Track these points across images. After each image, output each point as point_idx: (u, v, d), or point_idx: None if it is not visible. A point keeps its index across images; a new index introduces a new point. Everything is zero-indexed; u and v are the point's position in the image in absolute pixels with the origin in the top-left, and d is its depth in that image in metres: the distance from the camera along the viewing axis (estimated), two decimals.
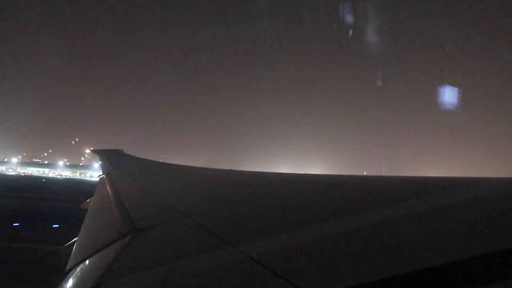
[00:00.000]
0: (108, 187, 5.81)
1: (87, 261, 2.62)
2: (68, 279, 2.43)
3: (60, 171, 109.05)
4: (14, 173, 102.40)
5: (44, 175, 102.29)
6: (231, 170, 6.53)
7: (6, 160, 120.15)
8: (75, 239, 3.86)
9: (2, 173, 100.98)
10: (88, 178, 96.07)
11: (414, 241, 1.53)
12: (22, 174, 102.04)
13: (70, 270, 2.66)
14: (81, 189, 45.34)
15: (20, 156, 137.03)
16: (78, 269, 2.58)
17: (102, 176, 7.56)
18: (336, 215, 2.24)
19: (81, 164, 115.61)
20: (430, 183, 3.15)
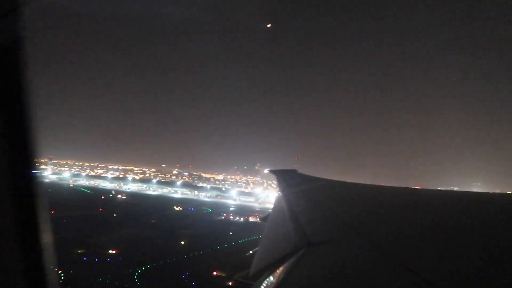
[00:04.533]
0: (284, 203, 6.11)
1: (266, 272, 2.88)
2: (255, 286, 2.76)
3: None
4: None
5: None
6: (406, 188, 6.49)
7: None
8: (256, 248, 4.35)
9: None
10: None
11: None
12: None
13: (252, 275, 3.01)
14: None
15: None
16: (261, 279, 2.83)
17: (278, 193, 8.16)
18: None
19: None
20: None
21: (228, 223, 64.12)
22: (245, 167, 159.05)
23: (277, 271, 2.73)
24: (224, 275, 33.47)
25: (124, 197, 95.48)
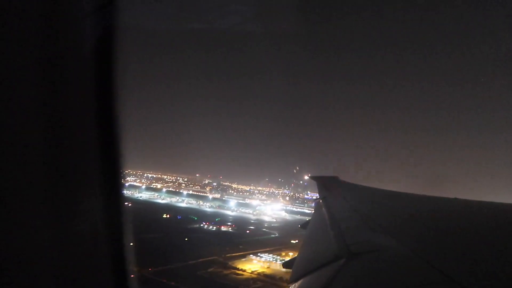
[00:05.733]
0: (324, 210, 5.96)
1: (305, 278, 2.84)
2: None
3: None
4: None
5: None
6: (455, 199, 6.21)
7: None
8: (295, 255, 4.49)
9: None
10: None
11: None
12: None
13: (291, 283, 2.98)
14: None
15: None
16: (297, 285, 2.78)
17: (318, 200, 8.03)
18: None
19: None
20: None
21: (197, 231, 70.64)
22: (280, 179, 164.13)
23: (315, 280, 2.69)
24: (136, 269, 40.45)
25: (129, 204, 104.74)
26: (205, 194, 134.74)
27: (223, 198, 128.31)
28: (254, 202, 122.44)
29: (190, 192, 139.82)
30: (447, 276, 1.73)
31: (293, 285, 2.83)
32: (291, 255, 54.84)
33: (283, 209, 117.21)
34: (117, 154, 1.76)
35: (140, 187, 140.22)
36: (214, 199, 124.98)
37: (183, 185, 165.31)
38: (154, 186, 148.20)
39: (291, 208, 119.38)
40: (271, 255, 52.90)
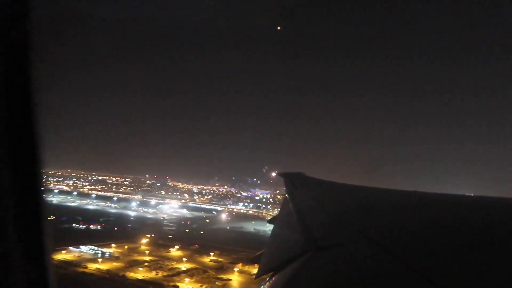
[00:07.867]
0: (291, 206, 6.10)
1: (272, 272, 2.94)
2: None
3: None
4: None
5: None
6: (415, 192, 6.53)
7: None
8: (262, 250, 4.57)
9: None
10: None
11: None
12: None
13: (258, 277, 3.16)
14: None
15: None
16: (265, 281, 2.90)
17: (286, 196, 8.14)
18: None
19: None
20: None
21: (60, 230, 79.77)
22: (233, 177, 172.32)
23: (283, 273, 2.78)
24: None
25: None
26: (126, 196, 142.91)
27: (136, 198, 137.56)
28: (153, 201, 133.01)
29: (102, 193, 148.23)
30: (412, 268, 1.83)
31: (260, 278, 3.03)
32: (113, 246, 66.10)
33: (184, 207, 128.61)
34: (34, 152, 1.67)
35: (53, 190, 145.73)
36: (120, 200, 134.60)
37: (114, 187, 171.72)
38: (81, 190, 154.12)
39: (204, 206, 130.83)
40: (95, 248, 63.51)
